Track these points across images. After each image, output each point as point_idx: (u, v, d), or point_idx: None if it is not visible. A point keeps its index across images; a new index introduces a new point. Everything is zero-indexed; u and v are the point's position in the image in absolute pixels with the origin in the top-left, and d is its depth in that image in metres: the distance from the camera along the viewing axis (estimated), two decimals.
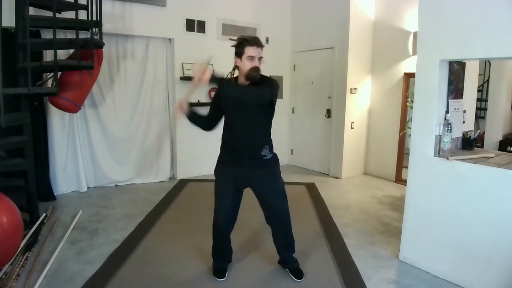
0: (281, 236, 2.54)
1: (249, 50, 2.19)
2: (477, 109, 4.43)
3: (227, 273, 2.57)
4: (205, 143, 5.33)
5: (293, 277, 2.53)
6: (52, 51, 3.26)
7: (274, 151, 2.45)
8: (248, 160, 2.38)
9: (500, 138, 4.92)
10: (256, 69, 2.22)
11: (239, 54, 2.25)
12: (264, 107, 2.28)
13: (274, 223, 2.51)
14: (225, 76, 2.30)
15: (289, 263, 2.59)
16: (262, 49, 2.25)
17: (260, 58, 2.24)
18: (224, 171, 2.49)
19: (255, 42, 2.20)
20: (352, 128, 5.34)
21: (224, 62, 5.26)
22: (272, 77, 2.38)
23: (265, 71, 5.73)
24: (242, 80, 2.28)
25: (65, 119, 4.31)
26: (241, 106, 2.31)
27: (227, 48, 5.55)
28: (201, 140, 5.30)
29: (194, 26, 5.05)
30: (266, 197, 2.42)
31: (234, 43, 2.30)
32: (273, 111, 2.39)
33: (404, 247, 2.82)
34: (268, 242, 2.84)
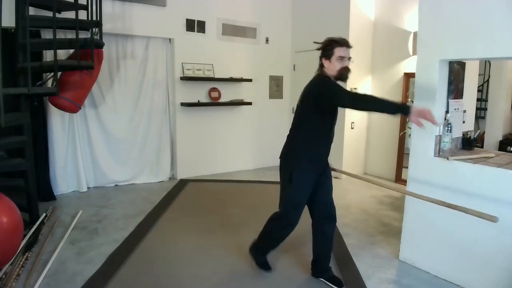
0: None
1: (339, 51, 2.24)
2: (477, 109, 4.43)
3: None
4: (205, 143, 5.34)
5: (333, 286, 2.42)
6: (52, 51, 3.26)
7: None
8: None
9: (500, 138, 4.92)
10: (346, 69, 2.26)
11: (328, 55, 2.28)
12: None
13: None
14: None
15: (325, 272, 2.49)
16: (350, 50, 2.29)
17: (349, 58, 2.28)
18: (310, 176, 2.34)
19: (345, 43, 2.26)
20: (352, 128, 5.34)
21: (224, 62, 5.32)
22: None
23: (265, 71, 5.80)
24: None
25: (65, 119, 4.31)
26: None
27: (227, 48, 5.61)
28: (201, 140, 5.32)
29: (194, 26, 5.05)
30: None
31: (320, 46, 2.37)
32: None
33: (404, 247, 2.82)
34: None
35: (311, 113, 2.29)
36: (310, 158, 2.30)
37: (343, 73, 2.27)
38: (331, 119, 2.34)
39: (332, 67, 2.27)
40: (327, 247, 2.47)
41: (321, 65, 2.34)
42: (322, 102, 2.24)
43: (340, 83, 2.33)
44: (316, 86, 2.29)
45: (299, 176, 2.28)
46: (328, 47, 2.28)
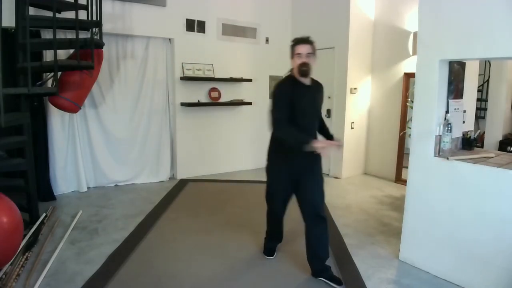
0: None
1: (297, 48, 2.42)
2: (477, 109, 4.43)
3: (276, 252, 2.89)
4: (205, 143, 5.34)
5: (333, 284, 2.45)
6: (52, 51, 3.26)
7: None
8: None
9: (500, 138, 4.92)
10: (303, 64, 2.38)
11: (292, 55, 2.47)
12: None
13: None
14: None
15: (325, 271, 2.52)
16: (311, 46, 2.44)
17: (309, 53, 2.41)
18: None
19: (301, 40, 2.45)
20: (352, 128, 5.34)
21: (224, 62, 5.32)
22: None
23: (265, 71, 5.80)
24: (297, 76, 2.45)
25: (65, 119, 4.31)
26: None
27: (227, 48, 5.61)
28: (201, 140, 5.32)
29: (194, 26, 5.05)
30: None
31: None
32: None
33: (404, 247, 2.82)
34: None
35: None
36: (282, 153, 2.48)
37: (301, 69, 2.38)
38: (297, 118, 2.40)
39: (293, 65, 2.44)
40: (320, 247, 2.50)
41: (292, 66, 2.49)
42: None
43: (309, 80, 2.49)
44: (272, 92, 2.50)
45: (272, 170, 2.57)
46: (291, 47, 2.47)
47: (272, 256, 2.86)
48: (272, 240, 2.90)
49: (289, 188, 2.55)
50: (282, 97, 2.39)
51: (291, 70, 2.50)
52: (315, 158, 2.45)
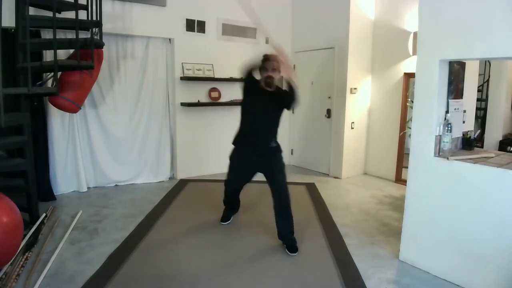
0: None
1: (264, 64, 2.95)
2: (477, 109, 4.43)
3: (231, 219, 3.55)
4: (205, 143, 5.34)
5: (288, 252, 2.92)
6: (52, 51, 3.26)
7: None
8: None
9: (500, 138, 4.93)
10: (267, 77, 2.91)
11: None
12: None
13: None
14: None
15: (286, 239, 3.01)
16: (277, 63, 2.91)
17: (274, 69, 2.90)
18: None
19: (266, 58, 2.96)
20: (352, 128, 5.34)
21: (224, 62, 5.31)
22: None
23: None
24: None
25: (65, 119, 4.31)
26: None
27: (227, 48, 5.61)
28: (201, 140, 5.32)
29: (194, 26, 5.05)
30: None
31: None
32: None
33: (404, 247, 2.82)
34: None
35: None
36: (238, 140, 3.12)
37: (265, 81, 2.92)
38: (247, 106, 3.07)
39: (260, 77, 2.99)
40: (282, 223, 3.01)
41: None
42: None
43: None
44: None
45: (231, 154, 3.17)
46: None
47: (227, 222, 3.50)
48: (226, 208, 3.56)
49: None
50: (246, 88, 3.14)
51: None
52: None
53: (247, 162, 3.08)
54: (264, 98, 2.95)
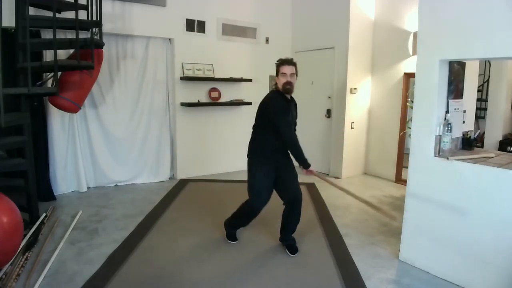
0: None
1: (282, 69, 2.77)
2: (477, 109, 4.43)
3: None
4: (205, 143, 5.34)
5: (288, 253, 2.92)
6: (52, 51, 3.26)
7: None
8: None
9: (500, 138, 4.92)
10: (287, 83, 2.76)
11: (277, 73, 2.83)
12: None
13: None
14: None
15: (287, 240, 3.01)
16: (294, 67, 2.80)
17: (292, 74, 2.77)
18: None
19: (286, 62, 2.79)
20: (352, 128, 5.34)
21: (224, 62, 5.32)
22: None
23: (265, 71, 5.78)
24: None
25: (65, 119, 4.31)
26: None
27: (227, 48, 5.61)
28: (201, 140, 5.32)
29: (194, 26, 5.05)
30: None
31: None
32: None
33: (404, 247, 2.82)
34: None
35: (262, 120, 2.87)
36: (263, 154, 2.91)
37: (285, 87, 2.76)
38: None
39: (279, 82, 2.80)
40: (294, 218, 2.95)
41: (275, 81, 2.88)
42: (266, 117, 2.78)
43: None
44: (265, 103, 2.84)
45: (256, 169, 2.94)
46: (276, 66, 2.83)
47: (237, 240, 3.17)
48: (236, 228, 3.21)
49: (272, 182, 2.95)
50: (284, 109, 2.76)
51: (275, 85, 2.88)
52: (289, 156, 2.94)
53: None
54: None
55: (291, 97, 2.91)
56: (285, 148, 2.86)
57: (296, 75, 2.82)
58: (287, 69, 2.75)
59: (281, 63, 2.79)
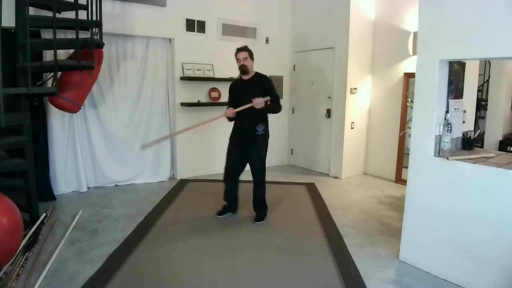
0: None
1: (237, 55, 3.42)
2: (477, 109, 4.43)
3: (225, 215, 3.72)
4: (205, 143, 5.34)
5: (254, 220, 3.52)
6: (52, 51, 3.26)
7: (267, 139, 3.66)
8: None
9: (500, 138, 4.92)
10: (241, 66, 3.40)
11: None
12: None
13: None
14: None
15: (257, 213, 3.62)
16: (246, 52, 3.39)
17: (245, 58, 3.37)
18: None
19: (238, 49, 3.42)
20: (352, 128, 5.34)
21: (224, 62, 5.31)
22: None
23: (265, 71, 5.81)
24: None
25: (65, 119, 4.31)
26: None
27: (227, 48, 5.60)
28: (201, 140, 5.31)
29: (194, 26, 5.05)
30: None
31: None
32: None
33: (404, 247, 2.82)
34: None
35: None
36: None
37: (240, 69, 3.43)
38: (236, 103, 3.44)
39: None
40: (257, 198, 3.66)
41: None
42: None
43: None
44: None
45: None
46: (234, 56, 3.44)
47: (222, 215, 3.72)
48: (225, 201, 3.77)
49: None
50: (230, 89, 3.64)
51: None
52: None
53: None
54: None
55: (257, 77, 3.46)
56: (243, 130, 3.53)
57: (252, 59, 3.41)
58: (240, 55, 3.36)
59: (236, 52, 3.40)
